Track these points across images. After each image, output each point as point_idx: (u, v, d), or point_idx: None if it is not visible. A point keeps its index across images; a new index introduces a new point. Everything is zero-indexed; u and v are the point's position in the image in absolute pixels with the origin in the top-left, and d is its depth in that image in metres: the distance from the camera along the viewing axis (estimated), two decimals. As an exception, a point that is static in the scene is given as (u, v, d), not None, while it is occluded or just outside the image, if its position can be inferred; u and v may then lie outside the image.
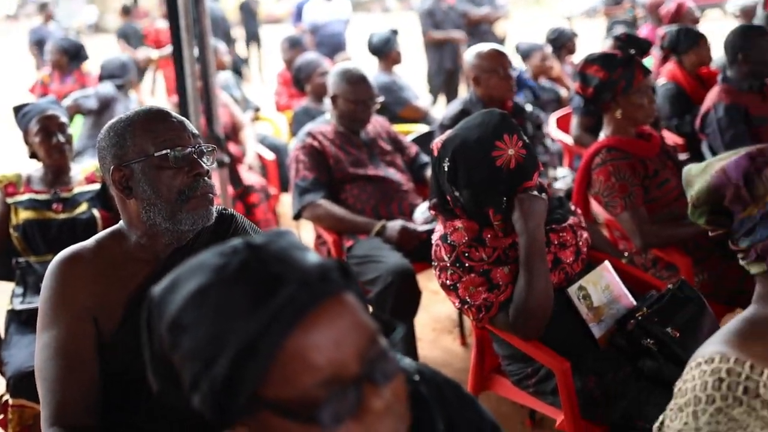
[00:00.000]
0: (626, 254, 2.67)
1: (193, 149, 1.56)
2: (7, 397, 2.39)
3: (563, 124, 4.34)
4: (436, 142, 2.09)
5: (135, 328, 1.12)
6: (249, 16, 12.06)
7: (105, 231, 1.64)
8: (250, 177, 4.13)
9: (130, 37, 9.79)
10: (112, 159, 1.55)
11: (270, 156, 4.52)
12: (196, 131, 1.61)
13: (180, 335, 0.81)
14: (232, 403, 0.80)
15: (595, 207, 2.93)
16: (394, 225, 2.94)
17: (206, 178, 1.58)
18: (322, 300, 0.80)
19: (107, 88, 4.78)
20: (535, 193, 2.01)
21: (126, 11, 10.79)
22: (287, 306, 0.77)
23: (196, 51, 3.19)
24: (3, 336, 2.58)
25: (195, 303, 0.80)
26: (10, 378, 2.35)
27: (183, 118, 1.61)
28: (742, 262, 1.19)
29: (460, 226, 2.05)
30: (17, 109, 2.80)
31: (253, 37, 12.20)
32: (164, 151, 1.53)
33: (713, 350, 1.12)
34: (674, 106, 4.19)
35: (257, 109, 5.63)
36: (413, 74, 9.07)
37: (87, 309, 1.53)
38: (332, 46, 7.68)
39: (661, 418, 1.17)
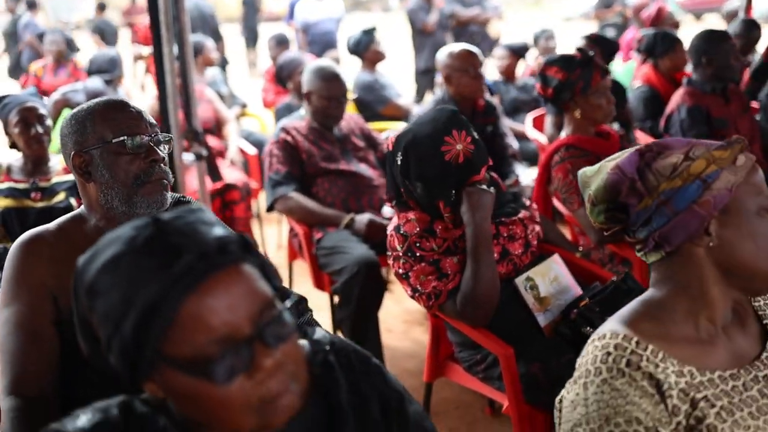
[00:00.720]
0: (581, 249, 2.77)
1: (150, 137, 1.66)
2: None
3: (539, 124, 4.43)
4: (391, 137, 2.19)
5: None
6: (251, 12, 12.12)
7: (67, 215, 1.74)
8: (231, 174, 4.23)
9: (105, 33, 9.90)
10: (73, 145, 1.65)
11: (252, 151, 4.62)
12: (153, 121, 1.71)
13: (95, 299, 0.91)
14: (139, 361, 0.89)
15: (557, 203, 3.03)
16: (362, 218, 3.04)
17: (162, 164, 1.67)
18: (218, 269, 0.89)
19: (95, 82, 4.87)
20: (484, 186, 2.11)
21: (101, 8, 10.90)
22: (185, 274, 0.87)
23: (176, 49, 3.29)
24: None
25: (108, 270, 0.90)
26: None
27: (141, 108, 1.71)
28: (639, 254, 1.28)
29: (413, 218, 2.15)
30: None
31: (252, 33, 12.28)
32: (122, 138, 1.62)
33: (607, 328, 1.21)
34: (648, 108, 4.28)
35: (244, 105, 5.72)
36: (407, 73, 9.15)
37: (47, 287, 1.62)
38: (323, 44, 7.78)
39: (562, 392, 1.26)
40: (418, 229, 2.14)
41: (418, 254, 2.13)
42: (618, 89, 4.42)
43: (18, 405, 1.52)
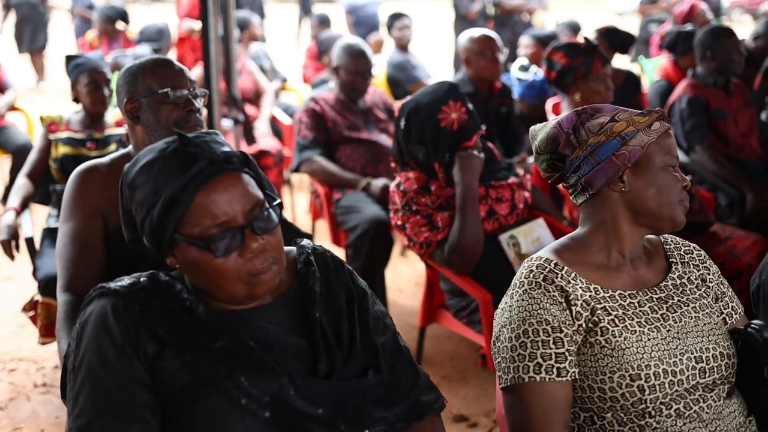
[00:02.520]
0: (567, 217, 3.04)
1: (189, 91, 2.00)
2: (38, 296, 2.88)
3: (557, 110, 4.67)
4: (398, 105, 2.50)
5: None
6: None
7: (117, 152, 2.09)
8: (267, 141, 4.58)
9: None
10: (126, 93, 2.00)
11: (288, 121, 4.96)
12: (193, 78, 2.05)
13: (134, 192, 1.25)
14: (163, 238, 1.23)
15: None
16: (378, 182, 3.36)
17: (197, 114, 2.01)
18: (222, 173, 1.22)
19: (144, 50, 5.28)
20: (474, 152, 2.40)
21: None
22: (198, 175, 1.20)
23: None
24: (38, 248, 3.08)
25: (144, 171, 1.24)
26: (40, 281, 2.84)
27: (184, 67, 2.05)
28: (571, 197, 1.57)
29: (411, 176, 2.46)
30: (69, 58, 3.28)
31: (306, 13, 12.65)
32: (166, 90, 1.96)
33: (537, 254, 1.51)
34: (663, 101, 4.47)
35: (284, 80, 6.07)
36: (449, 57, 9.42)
37: (98, 208, 1.98)
38: (369, 26, 8.11)
39: (501, 305, 1.56)
40: (415, 186, 2.44)
41: (414, 208, 2.44)
42: (632, 79, 4.65)
43: (70, 299, 1.88)
